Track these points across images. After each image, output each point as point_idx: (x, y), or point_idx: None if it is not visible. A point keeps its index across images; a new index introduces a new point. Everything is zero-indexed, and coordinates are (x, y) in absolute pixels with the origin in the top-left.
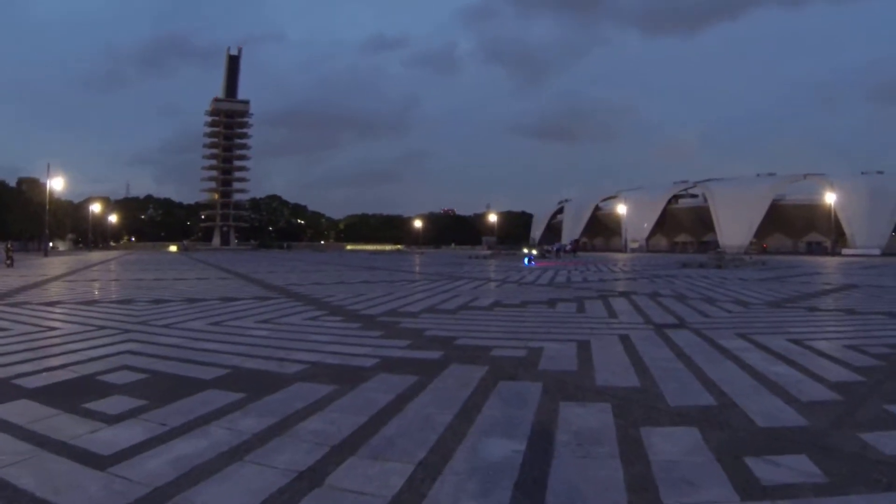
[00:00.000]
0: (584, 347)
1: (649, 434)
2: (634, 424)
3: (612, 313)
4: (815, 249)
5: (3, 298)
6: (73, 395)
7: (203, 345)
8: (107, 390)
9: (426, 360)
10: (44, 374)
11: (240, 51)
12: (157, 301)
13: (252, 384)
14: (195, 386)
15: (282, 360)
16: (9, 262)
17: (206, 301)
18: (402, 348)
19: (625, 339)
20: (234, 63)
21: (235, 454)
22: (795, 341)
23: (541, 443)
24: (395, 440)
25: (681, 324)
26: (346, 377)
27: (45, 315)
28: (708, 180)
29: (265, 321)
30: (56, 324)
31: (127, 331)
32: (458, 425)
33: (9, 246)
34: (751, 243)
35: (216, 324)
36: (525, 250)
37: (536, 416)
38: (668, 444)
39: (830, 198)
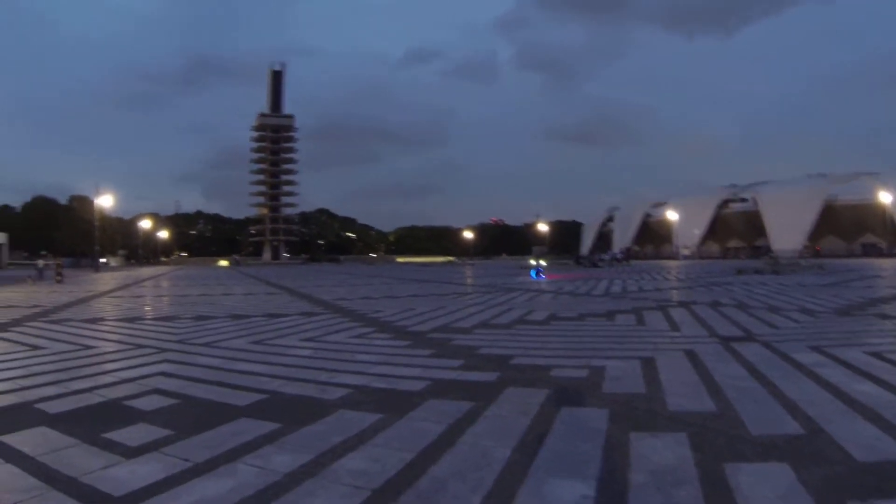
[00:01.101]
0: (649, 365)
1: (735, 472)
2: (716, 459)
3: (673, 325)
4: (870, 251)
5: (47, 315)
6: (95, 422)
7: (242, 366)
8: (132, 417)
9: (480, 383)
10: (69, 397)
11: (283, 66)
12: (200, 318)
13: (290, 412)
14: (228, 414)
15: (324, 383)
16: (58, 278)
17: (250, 318)
18: (453, 369)
19: (691, 355)
20: (277, 78)
21: (262, 499)
22: (875, 354)
23: (614, 485)
24: (446, 482)
25: (748, 336)
26: (393, 404)
27: (83, 333)
28: (758, 184)
29: (309, 339)
30: (93, 342)
31: (164, 350)
32: (518, 462)
33: (58, 262)
34: (804, 247)
35: (258, 342)
36: (532, 261)
37: (605, 451)
38: (759, 486)
39: (885, 197)
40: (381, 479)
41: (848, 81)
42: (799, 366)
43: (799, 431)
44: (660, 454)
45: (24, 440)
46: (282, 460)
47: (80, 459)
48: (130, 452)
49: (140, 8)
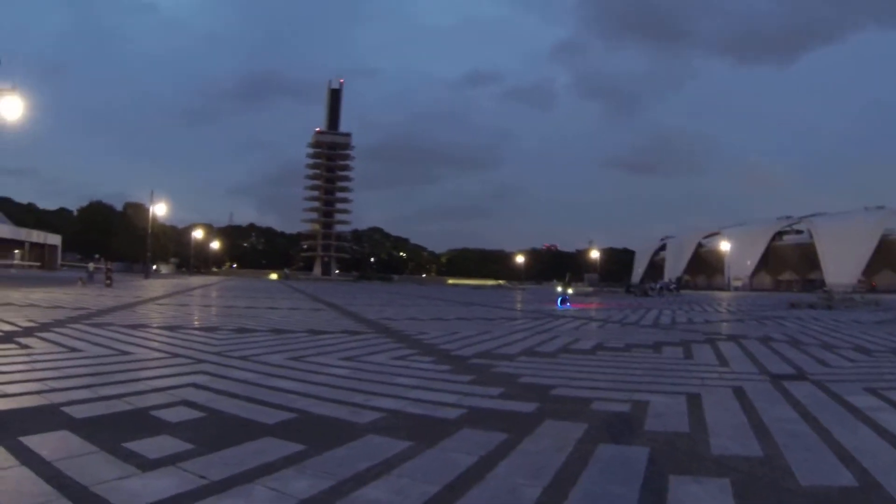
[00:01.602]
0: (694, 402)
1: None
2: None
3: (722, 360)
4: None
5: (90, 318)
6: (118, 430)
7: (276, 382)
8: (157, 428)
9: (518, 414)
10: (97, 402)
11: (341, 84)
12: (241, 330)
13: (317, 434)
14: (253, 431)
15: (357, 406)
16: (108, 282)
17: (292, 333)
18: (492, 398)
19: (739, 393)
20: (335, 96)
21: None
22: None
23: None
24: None
25: (800, 375)
26: (426, 431)
27: (123, 338)
28: (813, 215)
29: (349, 358)
30: (131, 348)
31: (200, 361)
32: (548, 503)
33: (108, 266)
34: (859, 281)
35: (296, 358)
36: (559, 289)
37: (642, 495)
38: None
39: None
40: None
41: None
42: (853, 409)
43: (852, 484)
44: (700, 502)
45: (45, 443)
46: (300, 485)
47: (95, 468)
48: (147, 465)
49: (207, 26)
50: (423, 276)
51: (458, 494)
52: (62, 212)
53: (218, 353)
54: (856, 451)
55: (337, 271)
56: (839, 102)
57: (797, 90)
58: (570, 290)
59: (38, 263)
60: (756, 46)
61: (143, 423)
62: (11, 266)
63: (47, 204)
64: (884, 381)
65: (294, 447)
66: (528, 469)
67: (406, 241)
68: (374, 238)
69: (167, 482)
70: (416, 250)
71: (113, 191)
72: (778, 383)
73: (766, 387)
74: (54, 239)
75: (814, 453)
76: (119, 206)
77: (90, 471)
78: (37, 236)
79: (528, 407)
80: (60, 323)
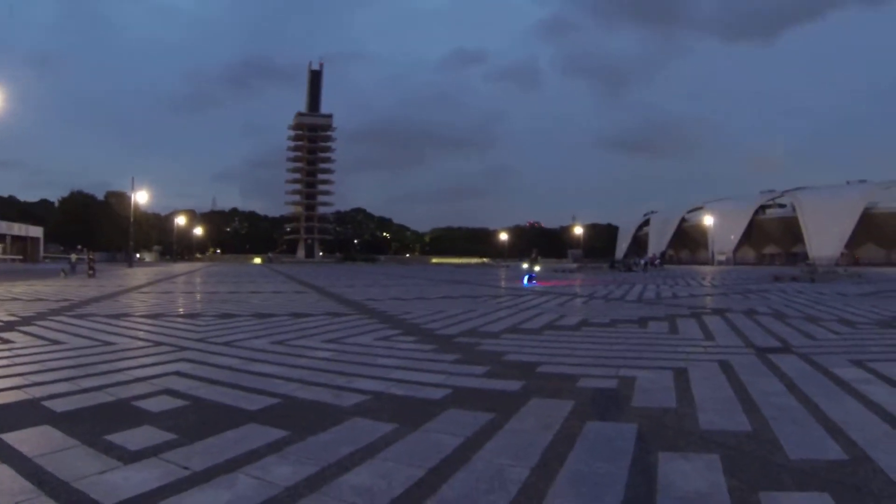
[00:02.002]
0: (681, 377)
1: (772, 502)
2: (752, 487)
3: (707, 334)
4: None
5: (73, 310)
6: (100, 422)
7: (259, 367)
8: (138, 419)
9: (504, 392)
10: (78, 395)
11: (321, 66)
12: (224, 315)
13: (300, 419)
14: (236, 418)
15: (340, 388)
16: (91, 272)
17: (275, 317)
18: (477, 376)
19: (726, 367)
20: (316, 78)
21: None
22: None
23: None
24: None
25: (785, 348)
26: (411, 413)
27: (106, 328)
28: (796, 189)
29: (332, 340)
30: (114, 338)
31: (183, 348)
32: (534, 484)
33: (90, 257)
34: (842, 254)
35: (279, 342)
36: (525, 266)
37: (631, 473)
38: None
39: None
40: (385, 498)
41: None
42: (840, 382)
43: (841, 457)
44: (690, 479)
45: (25, 439)
46: (283, 472)
47: (76, 462)
48: (129, 457)
49: (196, 11)
50: (407, 255)
51: (443, 478)
52: (44, 203)
53: (201, 340)
54: (843, 424)
55: (321, 253)
56: (821, 79)
57: (781, 67)
58: (536, 268)
59: (20, 256)
60: (741, 24)
61: (124, 414)
62: None
63: (31, 195)
64: (869, 353)
65: (277, 433)
66: (515, 449)
67: (390, 221)
68: (358, 219)
69: (149, 474)
70: (399, 230)
71: (97, 180)
72: (764, 356)
73: (752, 360)
74: (36, 231)
75: (802, 427)
76: (101, 196)
77: (71, 466)
78: (18, 229)
79: (513, 385)
80: (42, 316)
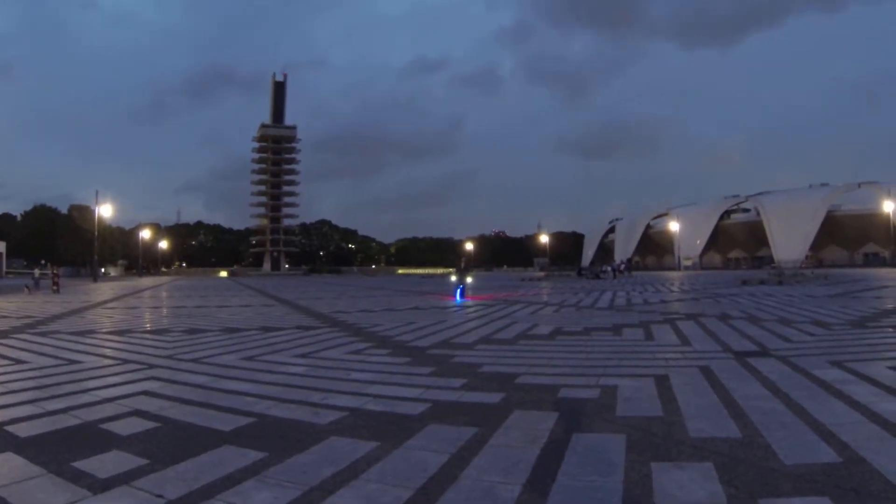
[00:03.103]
0: (663, 384)
1: None
2: (750, 494)
3: (684, 340)
4: (872, 261)
5: (36, 327)
6: (67, 447)
7: (231, 385)
8: (107, 443)
9: (484, 405)
10: (43, 419)
11: (285, 77)
12: (192, 331)
13: (277, 439)
14: (210, 440)
15: (316, 405)
16: (55, 287)
17: (244, 331)
18: (455, 389)
19: (707, 372)
20: (279, 89)
21: None
22: None
23: None
24: None
25: (763, 351)
26: (390, 429)
27: (71, 346)
28: (760, 194)
29: (304, 355)
30: (79, 356)
31: (151, 366)
32: (527, 502)
33: (55, 272)
34: (806, 257)
35: (250, 358)
36: (453, 278)
37: (626, 486)
38: None
39: (888, 206)
40: None
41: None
42: (823, 383)
43: (836, 460)
44: (687, 489)
45: None
46: (264, 498)
47: (42, 493)
48: (98, 486)
49: (154, 20)
50: (374, 267)
51: (432, 498)
52: (6, 217)
53: (169, 357)
54: (833, 427)
55: (286, 266)
56: (784, 84)
57: (742, 73)
58: (468, 279)
59: None
60: (700, 30)
61: (92, 438)
62: None
63: None
64: (847, 353)
65: (254, 455)
66: (503, 465)
67: (355, 232)
68: (323, 231)
69: None
70: (364, 241)
71: (59, 193)
72: (743, 360)
73: (732, 364)
74: None
75: (792, 431)
76: (64, 209)
77: (36, 497)
78: None
79: (493, 398)
80: (4, 334)
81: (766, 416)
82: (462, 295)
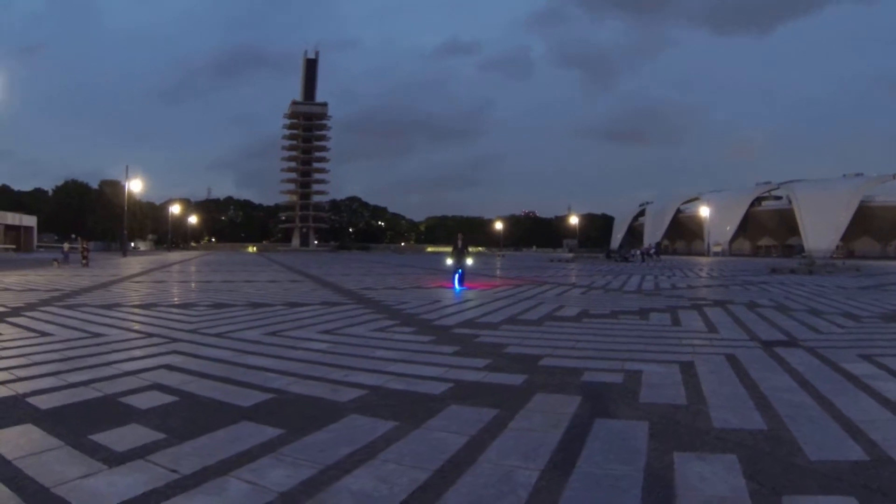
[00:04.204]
0: (688, 371)
1: None
2: (774, 491)
3: (711, 327)
4: None
5: (63, 300)
6: (86, 420)
7: (252, 360)
8: (126, 416)
9: (506, 387)
10: (64, 391)
11: (317, 54)
12: (218, 305)
13: (296, 416)
14: (229, 415)
15: (337, 383)
16: (84, 261)
17: (269, 306)
18: (478, 370)
19: (733, 361)
20: (311, 66)
21: None
22: None
23: None
24: None
25: (791, 341)
26: (411, 409)
27: (96, 319)
28: (792, 182)
29: (328, 332)
30: (104, 329)
31: (174, 340)
32: (546, 488)
33: (84, 246)
34: (837, 247)
35: (273, 333)
36: (449, 261)
37: (647, 476)
38: None
39: None
40: None
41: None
42: (851, 377)
43: (863, 458)
44: (709, 482)
45: (6, 439)
46: (278, 476)
47: (58, 466)
48: (114, 459)
49: (184, 1)
50: (402, 244)
51: (448, 481)
52: (38, 192)
53: (193, 331)
54: (861, 423)
55: (315, 242)
56: (817, 73)
57: (775, 60)
58: (468, 261)
59: (13, 246)
60: (733, 17)
61: (111, 411)
62: None
63: (24, 185)
64: (877, 347)
65: (272, 432)
66: (523, 449)
67: (384, 210)
68: (353, 207)
69: (135, 479)
70: (394, 219)
71: (90, 169)
72: (770, 350)
73: (759, 354)
74: (29, 220)
75: (819, 425)
76: (95, 185)
77: (53, 469)
78: (11, 218)
79: (516, 379)
80: (32, 306)
81: (793, 409)
82: (461, 282)
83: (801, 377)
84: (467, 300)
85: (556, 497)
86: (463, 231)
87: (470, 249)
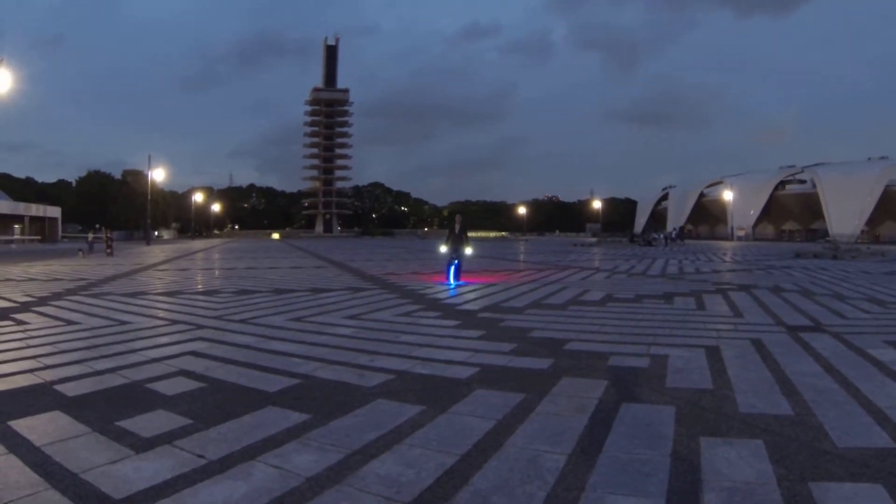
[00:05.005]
0: (714, 356)
1: (824, 494)
2: (801, 477)
3: (736, 311)
4: None
5: (88, 289)
6: (112, 407)
7: (277, 346)
8: (152, 403)
9: (532, 371)
10: (91, 378)
11: (337, 40)
12: (242, 292)
13: (322, 401)
14: (255, 401)
15: (363, 367)
16: (109, 251)
17: (293, 292)
18: (504, 354)
19: (758, 346)
20: (331, 53)
21: None
22: None
23: None
24: (489, 497)
25: (817, 326)
26: (437, 393)
27: (122, 307)
28: (816, 165)
29: (353, 317)
30: (129, 317)
31: (200, 326)
32: (573, 473)
33: (108, 235)
34: (862, 232)
35: (298, 319)
36: (443, 248)
37: (674, 461)
38: None
39: None
40: (414, 489)
41: None
42: (878, 363)
43: (890, 445)
44: (735, 467)
45: (34, 426)
46: (305, 461)
47: (86, 452)
48: (141, 445)
49: None
50: (426, 229)
51: (475, 466)
52: (61, 183)
53: (218, 318)
54: (888, 410)
55: (339, 228)
56: (842, 53)
57: (799, 41)
58: (468, 250)
59: (38, 237)
60: None
61: (138, 397)
62: (11, 241)
63: (47, 176)
64: None
65: (297, 417)
66: (549, 434)
67: (407, 195)
68: (376, 193)
69: (162, 464)
70: (417, 204)
71: (111, 159)
72: (796, 335)
73: (785, 339)
74: (54, 211)
75: (845, 412)
76: (118, 175)
77: (80, 455)
78: (36, 210)
79: (542, 363)
80: (58, 296)
81: (819, 395)
82: (457, 275)
83: (827, 363)
84: (490, 286)
85: (582, 481)
86: (487, 216)
87: (470, 235)
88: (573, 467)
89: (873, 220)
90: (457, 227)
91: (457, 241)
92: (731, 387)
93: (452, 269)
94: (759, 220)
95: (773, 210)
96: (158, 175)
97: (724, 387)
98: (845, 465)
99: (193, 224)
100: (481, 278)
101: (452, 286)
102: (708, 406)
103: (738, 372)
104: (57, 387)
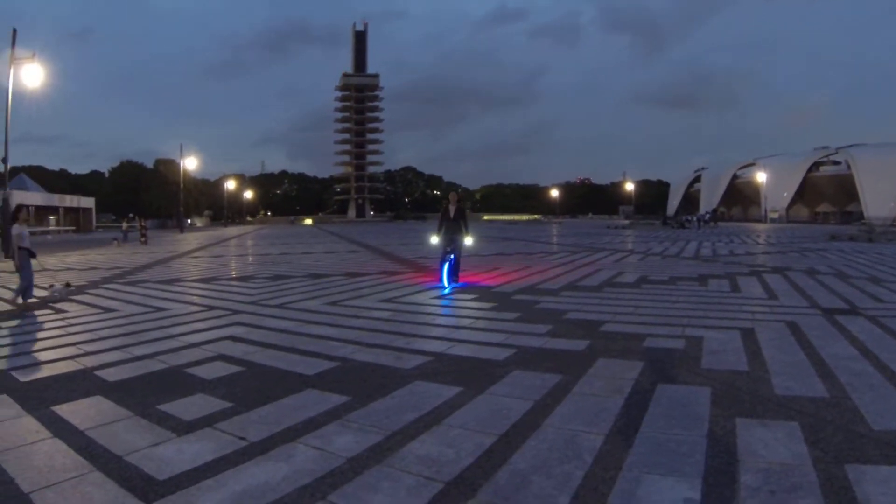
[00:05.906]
0: (749, 338)
1: (859, 476)
2: (836, 459)
3: (770, 294)
4: None
5: (125, 277)
6: (153, 391)
7: (315, 329)
8: (192, 387)
9: (568, 353)
10: (131, 363)
11: (365, 26)
12: (277, 277)
13: (360, 383)
14: (294, 384)
15: (400, 350)
16: (143, 239)
17: (328, 277)
18: (540, 335)
19: (794, 328)
20: (360, 38)
21: (317, 491)
22: None
23: (720, 488)
24: (528, 476)
25: (852, 309)
26: (474, 375)
27: (158, 294)
28: (851, 146)
29: (388, 300)
30: (166, 304)
31: (236, 312)
32: (610, 453)
33: (142, 224)
34: None
35: (334, 303)
36: (434, 240)
37: (710, 441)
38: (888, 495)
39: None
40: (454, 469)
41: None
42: None
43: None
44: (771, 449)
45: (77, 411)
46: (345, 442)
47: (129, 435)
48: (183, 428)
49: None
50: None
51: (514, 446)
52: (94, 174)
53: (254, 303)
54: None
55: (371, 213)
56: (873, 34)
57: (828, 21)
58: (467, 241)
59: (73, 227)
60: None
61: (177, 382)
62: (47, 232)
63: (79, 168)
64: None
65: (337, 399)
66: (586, 414)
67: (440, 179)
68: (407, 177)
69: (203, 446)
70: (450, 188)
71: (142, 149)
72: (831, 318)
73: (820, 321)
74: (87, 202)
75: (881, 394)
76: (150, 164)
77: (123, 438)
78: (70, 201)
79: (578, 345)
80: (95, 284)
81: (855, 378)
82: (452, 274)
83: (863, 346)
84: (525, 266)
85: (620, 461)
86: (519, 199)
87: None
88: (610, 447)
89: None
90: (452, 210)
91: (452, 229)
92: (766, 369)
93: (447, 266)
94: (793, 202)
95: (806, 192)
96: (190, 163)
97: (759, 369)
98: (881, 448)
99: (226, 211)
100: (491, 277)
101: (447, 289)
102: (743, 388)
103: (774, 354)
104: (98, 372)
